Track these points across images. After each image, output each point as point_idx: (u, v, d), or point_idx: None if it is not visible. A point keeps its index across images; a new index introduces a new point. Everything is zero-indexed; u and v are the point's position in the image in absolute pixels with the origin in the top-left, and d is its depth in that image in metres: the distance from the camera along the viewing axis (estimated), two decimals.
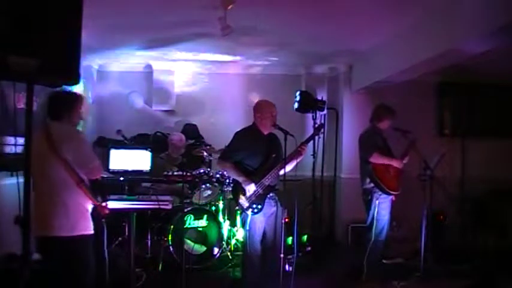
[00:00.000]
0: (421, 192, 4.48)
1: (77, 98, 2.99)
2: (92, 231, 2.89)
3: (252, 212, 3.82)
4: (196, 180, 5.03)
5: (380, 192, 4.29)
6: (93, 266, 2.92)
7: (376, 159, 4.30)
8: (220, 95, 6.65)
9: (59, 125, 2.84)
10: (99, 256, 3.20)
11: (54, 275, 2.75)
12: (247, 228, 3.86)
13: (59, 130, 2.81)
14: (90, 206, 2.89)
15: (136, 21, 4.46)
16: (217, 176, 5.18)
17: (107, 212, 2.97)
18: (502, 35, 3.28)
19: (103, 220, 3.20)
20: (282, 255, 3.61)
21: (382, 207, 4.31)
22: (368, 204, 4.40)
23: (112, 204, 3.11)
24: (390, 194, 4.31)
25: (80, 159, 2.81)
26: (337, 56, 5.86)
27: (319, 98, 5.58)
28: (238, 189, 3.89)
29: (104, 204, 2.93)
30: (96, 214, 2.95)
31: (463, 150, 6.23)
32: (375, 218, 4.31)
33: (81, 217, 2.82)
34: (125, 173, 4.43)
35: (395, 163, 4.38)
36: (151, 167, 4.89)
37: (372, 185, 4.32)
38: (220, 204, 5.24)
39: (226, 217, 5.26)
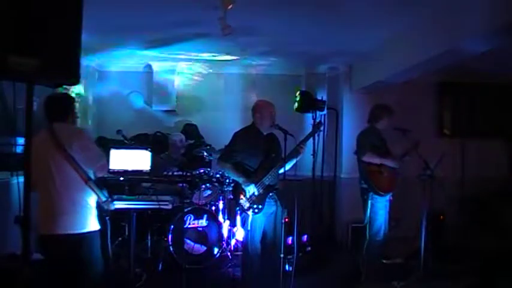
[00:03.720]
0: (421, 192, 4.48)
1: (72, 98, 3.11)
2: (99, 227, 2.94)
3: (252, 212, 3.81)
4: (196, 180, 5.03)
5: (372, 193, 4.28)
6: (101, 263, 2.94)
7: (370, 158, 4.27)
8: (220, 95, 6.65)
9: (64, 126, 2.87)
10: (104, 253, 3.22)
11: (62, 274, 2.77)
12: (248, 228, 3.86)
13: (66, 130, 2.84)
14: (95, 203, 2.94)
15: (136, 21, 4.46)
16: (217, 176, 5.18)
17: (112, 208, 3.03)
18: (502, 35, 3.28)
19: (107, 217, 3.21)
20: (282, 255, 3.61)
21: (377, 207, 4.29)
22: (365, 203, 4.39)
23: None
24: (381, 195, 4.29)
25: (89, 158, 2.85)
26: (337, 56, 5.86)
27: (319, 98, 5.59)
28: (239, 190, 3.89)
29: (109, 200, 2.98)
30: (100, 211, 2.99)
31: (463, 150, 6.23)
32: (371, 217, 4.30)
33: (89, 214, 2.88)
34: (125, 173, 4.43)
35: (389, 162, 4.32)
36: (151, 167, 4.89)
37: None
38: (220, 204, 5.24)
39: (226, 217, 5.25)
